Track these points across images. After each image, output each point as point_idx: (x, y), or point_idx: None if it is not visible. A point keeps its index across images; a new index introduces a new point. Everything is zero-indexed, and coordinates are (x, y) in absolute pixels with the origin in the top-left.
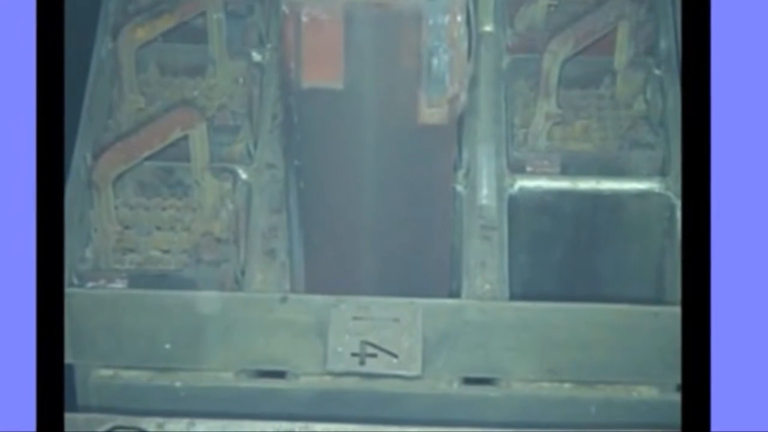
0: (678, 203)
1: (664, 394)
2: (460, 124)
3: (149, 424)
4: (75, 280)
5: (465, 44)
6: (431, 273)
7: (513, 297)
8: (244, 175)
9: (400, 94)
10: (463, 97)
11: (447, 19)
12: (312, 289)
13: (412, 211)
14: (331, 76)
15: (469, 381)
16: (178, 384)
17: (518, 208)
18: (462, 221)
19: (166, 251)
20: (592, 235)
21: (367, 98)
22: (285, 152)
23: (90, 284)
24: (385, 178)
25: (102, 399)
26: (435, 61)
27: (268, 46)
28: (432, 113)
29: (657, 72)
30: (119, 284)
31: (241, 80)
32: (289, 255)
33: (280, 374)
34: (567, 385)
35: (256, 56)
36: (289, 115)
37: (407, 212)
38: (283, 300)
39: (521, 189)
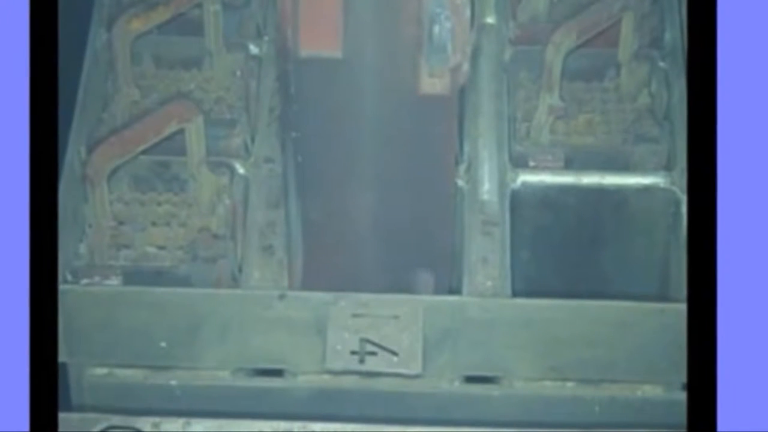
0: (683, 198)
1: (669, 392)
2: (462, 94)
3: (144, 423)
4: (69, 277)
5: (467, 11)
6: (432, 269)
7: (515, 294)
8: (241, 170)
9: (401, 64)
10: (466, 67)
11: None
12: (310, 285)
13: (413, 185)
14: (329, 45)
15: (470, 379)
16: (173, 383)
17: (521, 203)
18: (463, 216)
19: (161, 247)
20: (596, 231)
21: (367, 67)
22: (282, 123)
23: (84, 281)
24: (385, 150)
25: (96, 398)
26: (437, 29)
27: (266, 38)
28: (434, 83)
29: (662, 65)
30: (114, 281)
31: (238, 73)
32: (287, 251)
33: (278, 373)
34: (570, 384)
35: (254, 49)
36: (285, 85)
37: (408, 187)
38: (281, 297)
39: (524, 184)
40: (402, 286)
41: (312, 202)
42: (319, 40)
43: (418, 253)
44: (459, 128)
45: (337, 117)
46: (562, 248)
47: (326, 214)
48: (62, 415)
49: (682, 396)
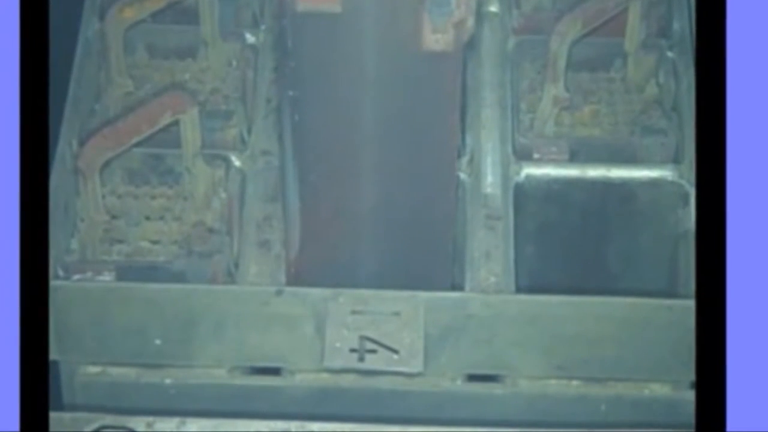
0: (692, 191)
1: (677, 391)
2: (466, 51)
3: (138, 423)
4: (60, 273)
5: None
6: (433, 264)
7: (519, 290)
8: (237, 163)
9: (403, 18)
10: (470, 22)
11: None
12: (308, 281)
13: (415, 149)
14: None
15: (473, 378)
16: (168, 381)
17: (525, 196)
18: (466, 210)
19: (155, 242)
20: (602, 225)
21: (367, 22)
22: (278, 81)
23: (76, 277)
24: (386, 108)
25: (89, 397)
26: None
27: (263, 27)
28: (437, 39)
29: (670, 54)
30: (107, 277)
31: (234, 63)
32: (285, 246)
33: (275, 371)
34: (576, 383)
35: (250, 38)
36: (282, 41)
37: (410, 151)
38: (279, 293)
39: (528, 177)
40: (402, 282)
41: (310, 167)
42: None
43: (419, 247)
44: (462, 88)
45: (336, 74)
46: (567, 243)
47: (324, 157)
48: (53, 415)
49: (691, 395)
